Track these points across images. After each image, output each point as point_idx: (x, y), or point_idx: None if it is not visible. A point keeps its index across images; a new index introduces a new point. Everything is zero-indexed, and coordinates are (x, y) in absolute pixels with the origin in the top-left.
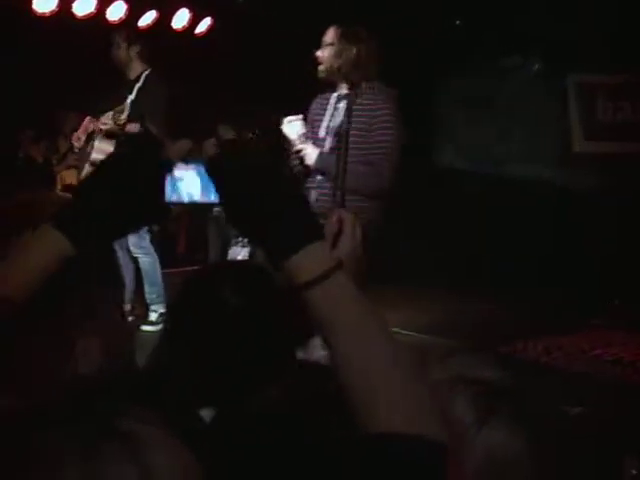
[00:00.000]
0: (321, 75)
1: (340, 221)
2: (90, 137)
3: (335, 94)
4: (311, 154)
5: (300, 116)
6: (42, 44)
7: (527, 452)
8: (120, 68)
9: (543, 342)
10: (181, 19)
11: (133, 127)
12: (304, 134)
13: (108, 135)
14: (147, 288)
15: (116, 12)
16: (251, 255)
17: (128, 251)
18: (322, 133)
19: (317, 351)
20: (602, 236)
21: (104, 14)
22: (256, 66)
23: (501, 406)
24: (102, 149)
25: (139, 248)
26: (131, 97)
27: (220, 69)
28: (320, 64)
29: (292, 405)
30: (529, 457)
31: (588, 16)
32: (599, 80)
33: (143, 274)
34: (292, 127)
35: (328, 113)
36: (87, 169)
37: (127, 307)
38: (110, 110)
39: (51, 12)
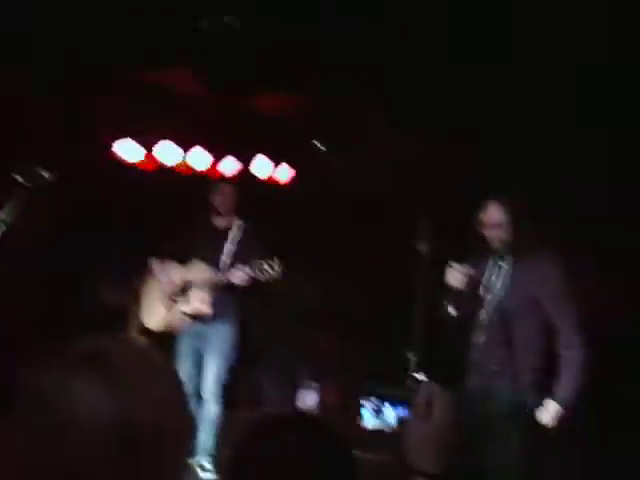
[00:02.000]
0: (494, 248)
1: (430, 394)
2: (186, 286)
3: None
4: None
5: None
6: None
7: None
8: (213, 216)
9: None
10: (264, 168)
11: (239, 275)
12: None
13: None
14: (209, 436)
15: (203, 162)
16: (320, 400)
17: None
18: (481, 291)
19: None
20: None
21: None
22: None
23: None
24: (202, 299)
25: (216, 396)
26: (231, 247)
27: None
28: (490, 242)
29: None
30: None
31: None
32: None
33: (207, 421)
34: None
35: (487, 270)
36: (176, 315)
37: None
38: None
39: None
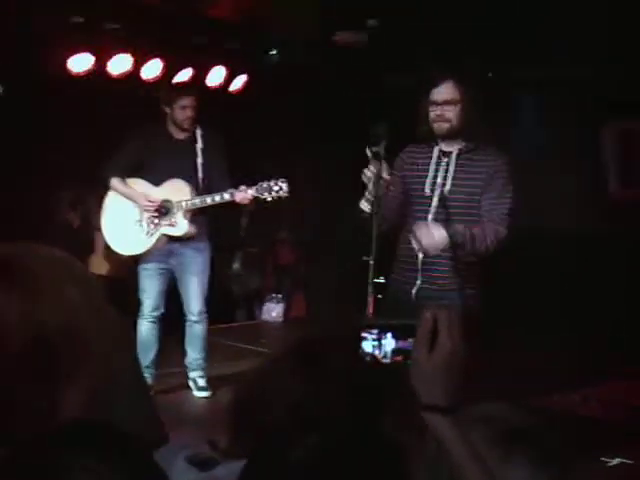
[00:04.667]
0: (441, 133)
1: (435, 320)
2: (167, 207)
3: (437, 148)
4: (435, 233)
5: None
6: (77, 104)
7: None
8: (172, 128)
9: (580, 392)
10: (217, 76)
11: (242, 197)
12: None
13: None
14: (201, 354)
15: (152, 70)
16: (286, 311)
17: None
18: (427, 190)
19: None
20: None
21: (139, 72)
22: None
23: (524, 449)
24: (188, 220)
25: (204, 314)
26: (201, 161)
27: (256, 125)
28: (440, 121)
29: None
30: None
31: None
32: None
33: (198, 339)
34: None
35: (431, 168)
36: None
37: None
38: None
39: (86, 72)
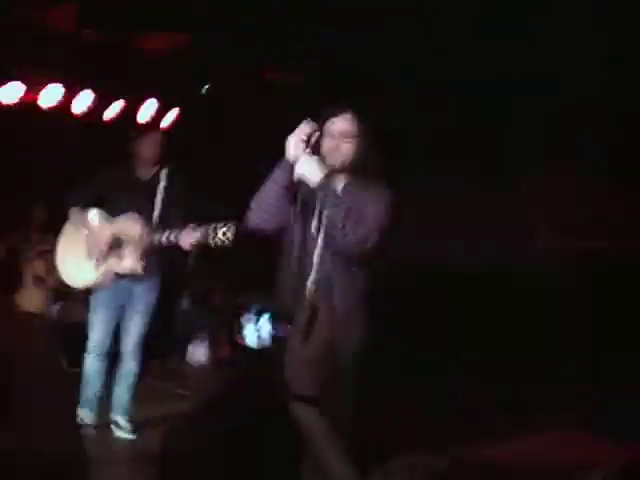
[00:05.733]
0: (332, 167)
1: (314, 308)
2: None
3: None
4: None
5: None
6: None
7: None
8: (136, 167)
9: (508, 442)
10: (149, 110)
11: (188, 241)
12: None
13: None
14: (127, 393)
15: (83, 102)
16: (211, 352)
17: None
18: (315, 224)
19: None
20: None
21: (70, 105)
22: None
23: None
24: (136, 257)
25: (138, 353)
26: (159, 198)
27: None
28: (334, 153)
29: None
30: None
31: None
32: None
33: (127, 378)
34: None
35: (317, 204)
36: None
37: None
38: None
39: (17, 102)
